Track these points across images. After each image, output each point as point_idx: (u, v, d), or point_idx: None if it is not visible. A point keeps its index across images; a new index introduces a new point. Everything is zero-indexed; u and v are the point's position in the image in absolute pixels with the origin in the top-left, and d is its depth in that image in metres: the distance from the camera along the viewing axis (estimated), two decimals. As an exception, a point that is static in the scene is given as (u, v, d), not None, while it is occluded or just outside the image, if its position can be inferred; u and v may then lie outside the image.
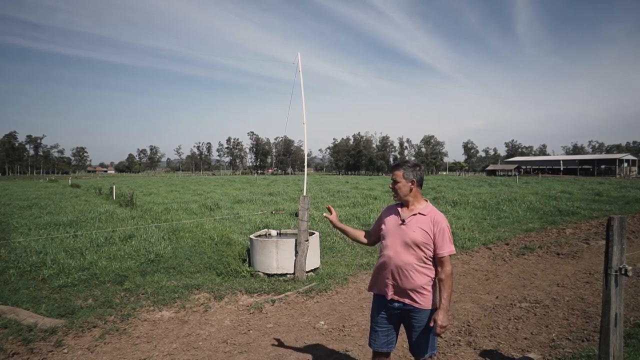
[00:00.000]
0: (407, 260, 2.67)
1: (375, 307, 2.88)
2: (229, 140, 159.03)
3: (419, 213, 2.73)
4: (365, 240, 3.07)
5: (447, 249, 2.65)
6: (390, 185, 2.83)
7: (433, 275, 2.71)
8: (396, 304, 2.74)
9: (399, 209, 2.82)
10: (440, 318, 2.59)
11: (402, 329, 2.88)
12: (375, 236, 3.01)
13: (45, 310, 4.95)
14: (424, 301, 2.68)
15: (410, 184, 2.75)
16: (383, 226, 2.84)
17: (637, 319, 4.55)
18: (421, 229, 2.67)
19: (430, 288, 2.70)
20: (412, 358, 2.90)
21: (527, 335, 4.31)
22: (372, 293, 2.91)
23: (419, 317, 2.70)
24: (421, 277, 2.67)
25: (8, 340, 4.15)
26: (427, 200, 2.82)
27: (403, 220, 2.73)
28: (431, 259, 2.70)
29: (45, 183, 48.20)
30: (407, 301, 2.70)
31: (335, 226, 3.13)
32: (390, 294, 2.74)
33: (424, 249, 2.66)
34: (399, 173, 2.76)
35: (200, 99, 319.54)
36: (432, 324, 2.63)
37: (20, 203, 17.18)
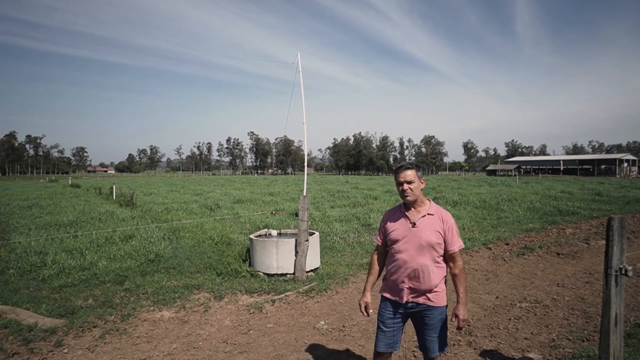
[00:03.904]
0: (424, 262, 2.68)
1: (384, 307, 2.84)
2: (229, 140, 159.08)
3: (427, 214, 2.72)
4: (378, 266, 2.91)
5: (457, 244, 2.72)
6: (405, 187, 2.68)
7: (445, 273, 2.75)
8: (409, 304, 2.75)
9: (405, 211, 2.77)
10: (462, 312, 2.67)
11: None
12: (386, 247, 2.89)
13: (46, 310, 4.95)
14: (438, 299, 2.72)
15: (421, 183, 2.74)
16: (393, 231, 2.77)
17: (637, 319, 4.55)
18: (434, 229, 2.69)
19: (443, 285, 2.75)
20: (414, 358, 2.90)
21: (527, 335, 4.30)
22: (380, 294, 2.89)
23: (432, 314, 2.73)
24: (437, 276, 2.70)
25: (8, 340, 4.16)
26: (430, 200, 2.82)
27: (414, 223, 2.71)
28: (442, 256, 2.73)
29: (45, 183, 48.19)
30: (421, 300, 2.72)
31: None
32: (405, 297, 2.73)
33: (437, 248, 2.69)
34: (412, 173, 2.69)
35: (200, 99, 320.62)
36: (453, 319, 2.68)
37: (20, 203, 17.20)
